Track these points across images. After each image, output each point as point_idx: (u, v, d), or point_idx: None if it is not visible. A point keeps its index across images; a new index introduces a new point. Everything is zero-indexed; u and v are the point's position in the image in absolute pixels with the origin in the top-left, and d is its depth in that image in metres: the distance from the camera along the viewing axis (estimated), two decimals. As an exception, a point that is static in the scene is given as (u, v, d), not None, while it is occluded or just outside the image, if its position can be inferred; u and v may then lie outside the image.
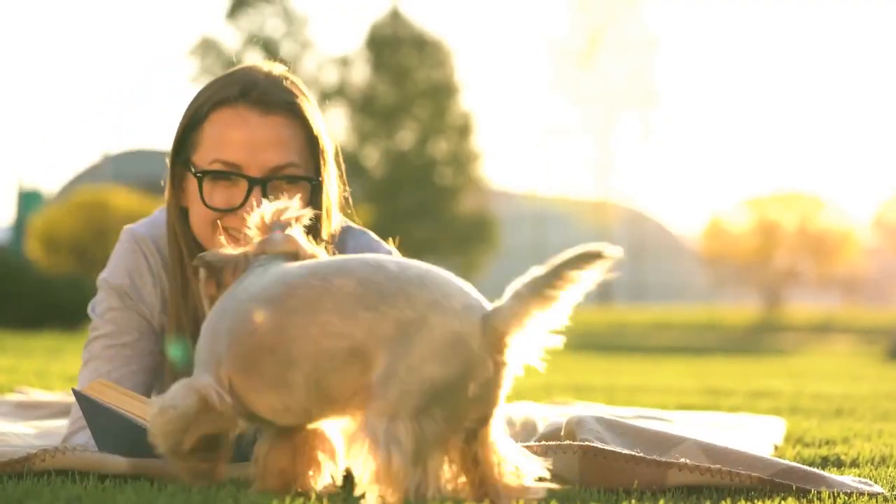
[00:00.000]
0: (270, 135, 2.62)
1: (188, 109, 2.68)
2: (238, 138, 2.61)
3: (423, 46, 35.84)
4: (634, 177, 43.09)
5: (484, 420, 2.05)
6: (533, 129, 43.52)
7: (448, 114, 35.98)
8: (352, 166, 35.99)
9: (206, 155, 2.64)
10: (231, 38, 34.97)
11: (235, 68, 2.73)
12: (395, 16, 36.13)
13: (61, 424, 3.25)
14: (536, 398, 4.41)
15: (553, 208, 37.96)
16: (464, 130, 36.17)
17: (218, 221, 2.63)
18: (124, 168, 30.44)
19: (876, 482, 2.50)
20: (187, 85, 35.02)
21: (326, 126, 2.76)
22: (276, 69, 2.72)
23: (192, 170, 2.66)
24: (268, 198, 2.47)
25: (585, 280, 1.95)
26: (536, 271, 1.98)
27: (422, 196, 34.92)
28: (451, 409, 1.99)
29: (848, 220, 28.39)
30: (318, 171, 2.69)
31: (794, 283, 28.05)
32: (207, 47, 34.86)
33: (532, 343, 2.01)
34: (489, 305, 2.03)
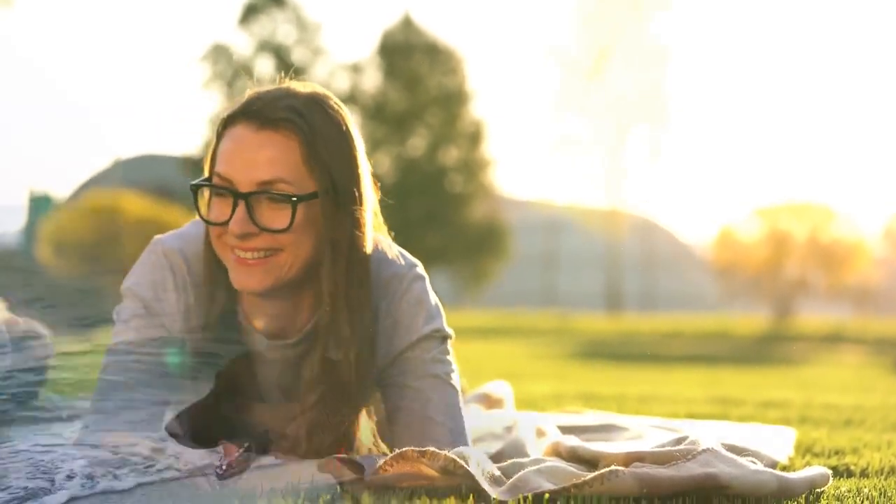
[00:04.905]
0: (261, 150, 2.59)
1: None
2: (233, 154, 2.60)
3: (435, 54, 35.88)
4: (645, 186, 42.99)
5: None
6: (544, 138, 43.48)
7: (459, 121, 36.02)
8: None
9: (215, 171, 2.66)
10: (243, 44, 35.04)
11: (265, 89, 2.73)
12: (407, 23, 36.18)
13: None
14: (546, 407, 4.40)
15: (564, 217, 37.92)
16: (475, 138, 36.20)
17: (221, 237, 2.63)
18: (135, 173, 30.49)
19: (886, 494, 2.49)
20: (198, 90, 35.12)
21: (363, 148, 2.72)
22: (303, 87, 2.69)
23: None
24: (252, 214, 2.53)
25: None
26: None
27: (432, 203, 34.95)
28: None
29: (858, 230, 28.32)
30: (327, 190, 2.63)
31: (804, 293, 27.97)
32: (219, 53, 34.93)
33: None
34: None
